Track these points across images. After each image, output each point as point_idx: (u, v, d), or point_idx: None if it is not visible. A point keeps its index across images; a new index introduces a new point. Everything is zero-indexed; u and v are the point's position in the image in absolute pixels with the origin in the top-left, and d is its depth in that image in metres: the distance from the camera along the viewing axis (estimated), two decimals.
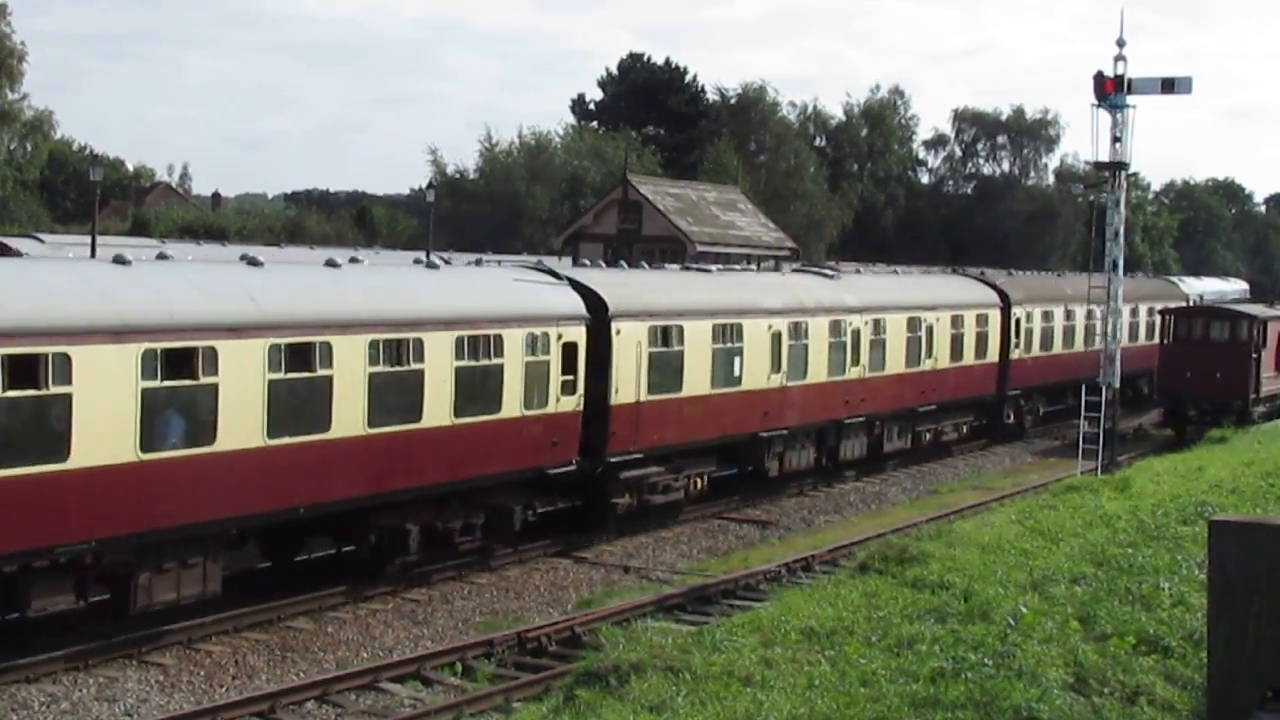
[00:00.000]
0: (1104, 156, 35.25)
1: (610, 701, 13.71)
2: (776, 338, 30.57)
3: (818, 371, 32.22)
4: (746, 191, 70.34)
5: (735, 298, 30.33)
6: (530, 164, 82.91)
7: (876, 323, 34.75)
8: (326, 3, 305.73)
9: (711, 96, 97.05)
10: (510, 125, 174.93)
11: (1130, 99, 34.63)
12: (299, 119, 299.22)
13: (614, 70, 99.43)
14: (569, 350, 24.87)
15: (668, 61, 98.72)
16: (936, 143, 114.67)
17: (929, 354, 37.25)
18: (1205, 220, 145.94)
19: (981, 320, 40.52)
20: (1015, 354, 42.28)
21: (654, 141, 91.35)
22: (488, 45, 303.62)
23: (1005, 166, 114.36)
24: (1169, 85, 34.95)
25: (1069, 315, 46.23)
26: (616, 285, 27.25)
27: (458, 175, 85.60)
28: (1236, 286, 74.58)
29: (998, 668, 13.87)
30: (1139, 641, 15.09)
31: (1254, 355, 43.99)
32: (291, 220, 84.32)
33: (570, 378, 24.89)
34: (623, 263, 37.58)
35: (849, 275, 38.59)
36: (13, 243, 43.15)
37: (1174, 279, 62.31)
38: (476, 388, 23.00)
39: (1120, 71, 34.46)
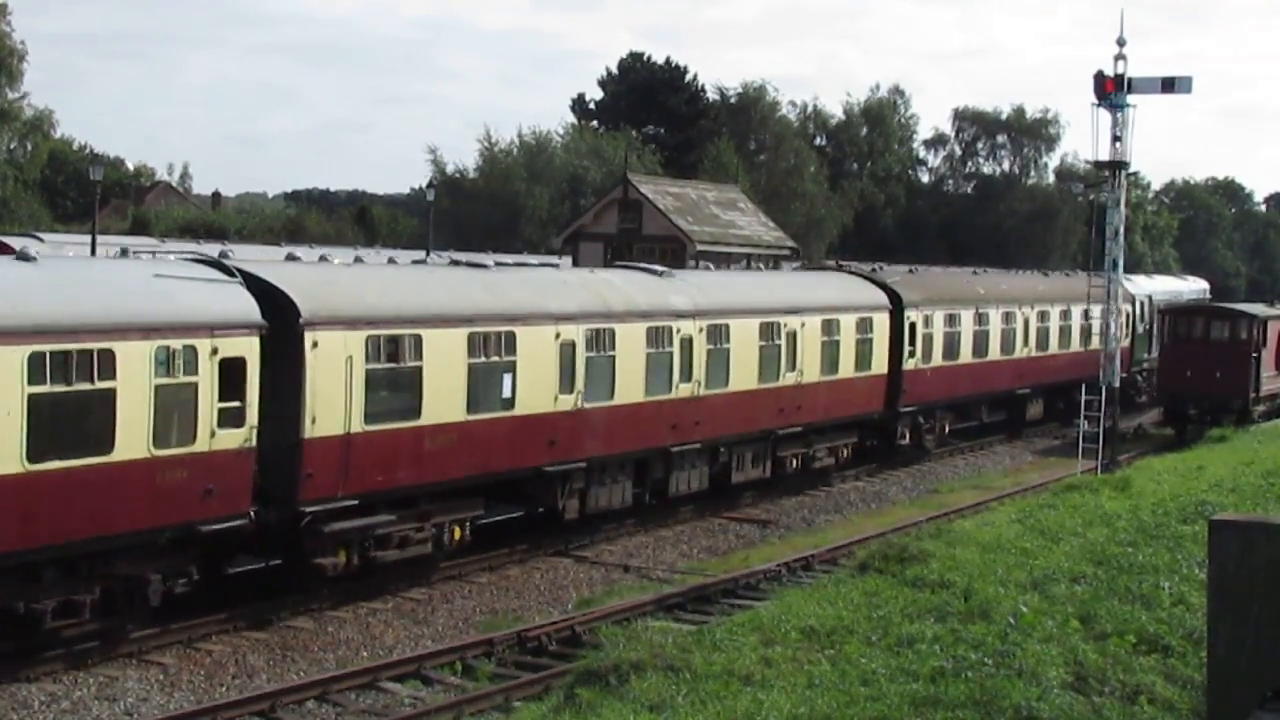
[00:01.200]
0: (1104, 156, 35.24)
1: (610, 701, 13.71)
2: (568, 349, 24.82)
3: (630, 390, 26.29)
4: (746, 191, 70.41)
5: (505, 299, 24.15)
6: (530, 164, 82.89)
7: (716, 329, 28.64)
8: (326, 3, 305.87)
9: (711, 96, 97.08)
10: (510, 125, 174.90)
11: (1130, 98, 34.62)
12: (299, 119, 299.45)
13: (614, 70, 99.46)
14: (232, 368, 18.95)
15: (668, 61, 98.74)
16: (936, 142, 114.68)
17: (791, 366, 31.11)
18: (1205, 220, 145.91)
19: (864, 325, 34.30)
20: (910, 364, 36.01)
21: (654, 141, 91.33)
22: (487, 45, 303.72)
23: (1005, 166, 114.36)
24: (1169, 85, 34.95)
25: (981, 319, 40.34)
26: (318, 284, 21.31)
27: (458, 175, 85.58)
28: (1195, 286, 67.84)
29: (998, 667, 13.88)
30: (1139, 641, 15.11)
31: (1254, 354, 43.98)
32: (291, 219, 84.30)
33: (236, 405, 19.01)
34: (359, 257, 32.23)
35: (686, 273, 32.80)
36: (13, 242, 43.14)
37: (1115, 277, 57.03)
38: (68, 422, 17.20)
39: (1120, 71, 34.46)
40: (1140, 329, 51.27)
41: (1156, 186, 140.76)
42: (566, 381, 24.82)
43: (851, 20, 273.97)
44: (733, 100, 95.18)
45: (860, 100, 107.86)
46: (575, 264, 48.88)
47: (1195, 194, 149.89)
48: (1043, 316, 44.27)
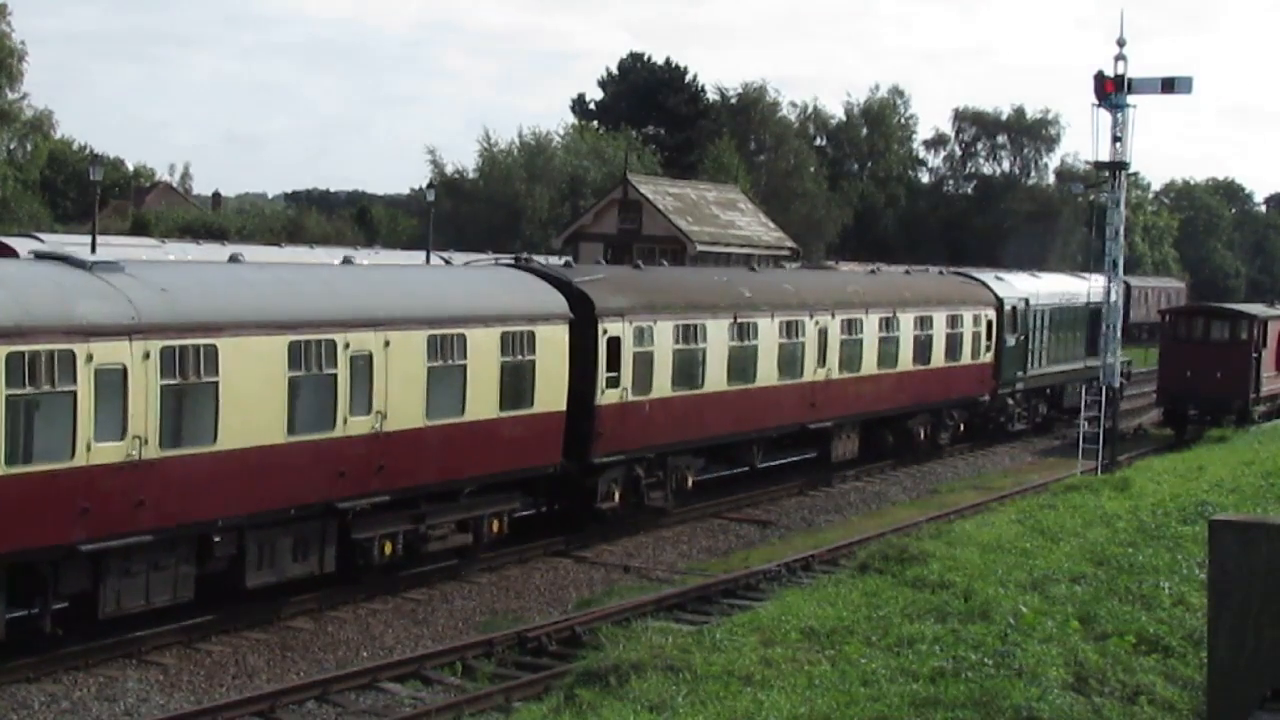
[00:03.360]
0: (1104, 156, 35.23)
1: (610, 701, 13.72)
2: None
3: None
4: (746, 191, 70.45)
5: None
6: (530, 164, 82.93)
7: (175, 354, 18.12)
8: (326, 3, 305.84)
9: (712, 96, 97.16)
10: (510, 125, 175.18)
11: (1130, 99, 34.62)
12: (299, 119, 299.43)
13: (614, 70, 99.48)
14: None
15: (668, 61, 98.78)
16: (937, 142, 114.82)
17: (363, 407, 20.61)
18: (1205, 220, 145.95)
19: (518, 343, 23.50)
20: (611, 396, 25.57)
21: (654, 141, 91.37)
22: (487, 45, 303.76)
23: (1005, 166, 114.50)
24: (1169, 85, 34.94)
25: (744, 332, 29.35)
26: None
27: (457, 175, 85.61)
28: (1099, 286, 57.05)
29: (998, 667, 13.89)
30: (1139, 641, 15.11)
31: (1254, 355, 44.00)
32: (291, 220, 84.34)
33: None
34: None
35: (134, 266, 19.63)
36: (12, 242, 43.16)
37: (983, 275, 43.10)
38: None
39: (1120, 71, 34.45)
40: (1012, 340, 41.53)
41: (1157, 187, 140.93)
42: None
43: (851, 21, 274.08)
44: (733, 100, 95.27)
45: (860, 100, 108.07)
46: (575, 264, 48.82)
47: (1195, 194, 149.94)
48: (851, 326, 33.24)
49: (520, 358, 23.60)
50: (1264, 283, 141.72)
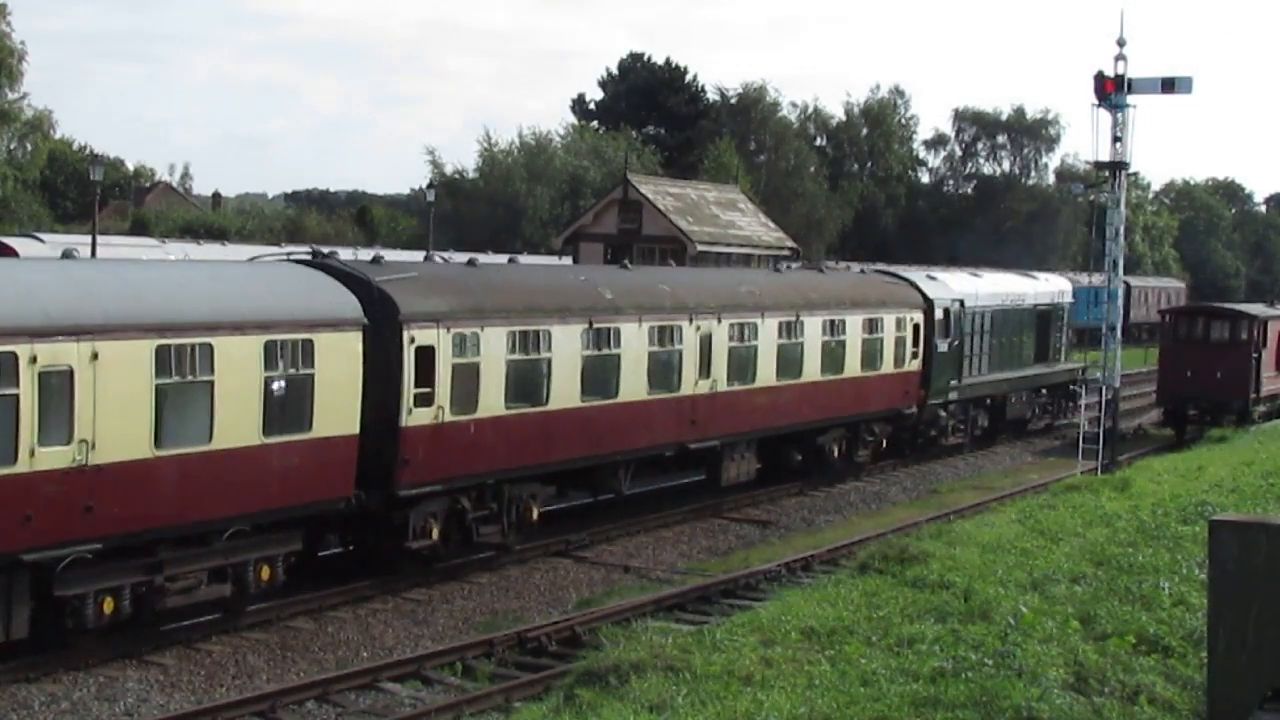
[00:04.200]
0: (1104, 156, 35.26)
1: (610, 701, 13.72)
2: None
3: None
4: (747, 191, 70.38)
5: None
6: (530, 164, 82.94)
7: None
8: (326, 3, 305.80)
9: (712, 96, 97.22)
10: (510, 125, 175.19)
11: (1130, 99, 34.65)
12: (299, 119, 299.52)
13: (614, 70, 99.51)
14: None
15: (668, 61, 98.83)
16: (937, 142, 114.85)
17: (62, 436, 16.84)
18: (1206, 220, 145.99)
19: (290, 355, 19.63)
20: (421, 416, 21.59)
21: (654, 141, 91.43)
22: (487, 45, 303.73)
23: (1005, 166, 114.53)
24: (1169, 85, 34.97)
25: (600, 339, 25.30)
26: None
27: (457, 175, 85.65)
28: (1049, 287, 46.89)
29: (998, 667, 13.89)
30: (1139, 641, 15.11)
31: (1254, 355, 44.02)
32: (291, 220, 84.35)
33: None
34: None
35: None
36: (12, 243, 43.18)
37: (912, 274, 38.83)
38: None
39: (1120, 71, 34.48)
40: (944, 345, 37.19)
41: (1157, 187, 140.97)
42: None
43: (852, 20, 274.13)
44: (733, 100, 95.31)
45: (860, 100, 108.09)
46: (576, 264, 48.86)
47: (1195, 194, 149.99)
48: (743, 332, 29.11)
49: (293, 372, 19.41)
50: (1264, 283, 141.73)
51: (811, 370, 31.40)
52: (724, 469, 29.35)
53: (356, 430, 20.40)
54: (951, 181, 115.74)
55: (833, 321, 32.25)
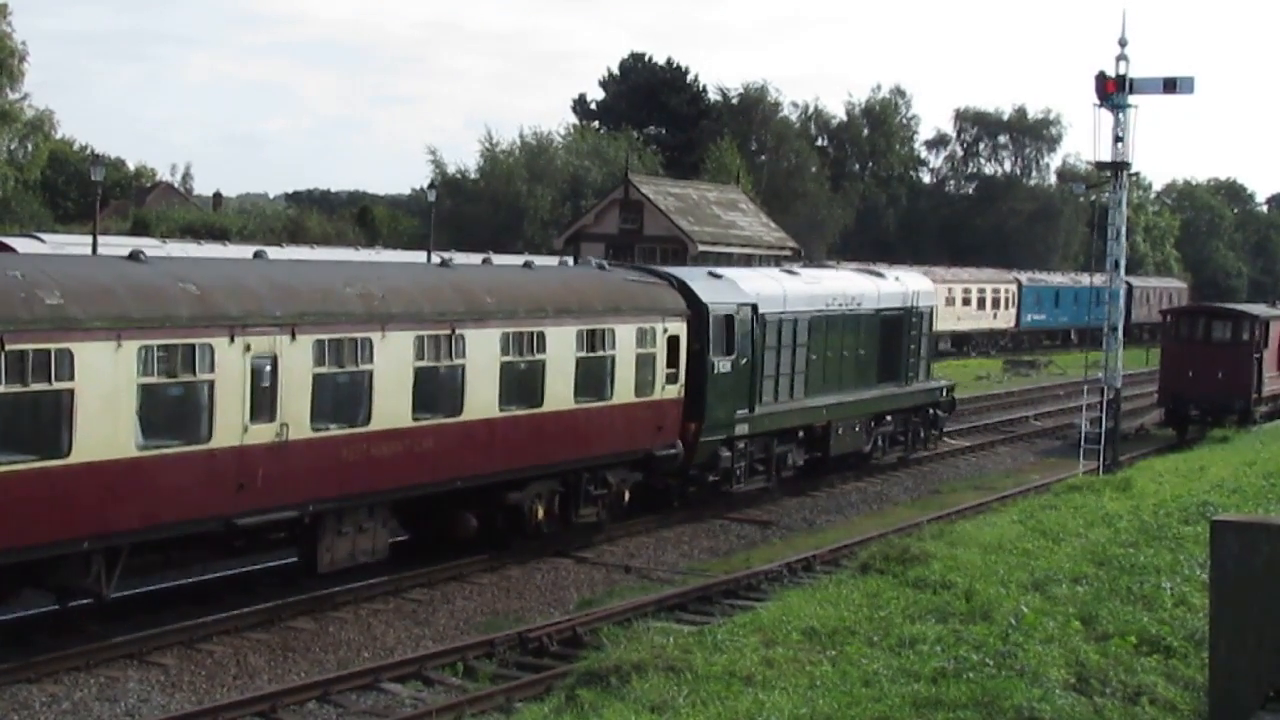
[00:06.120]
0: (1106, 156, 35.27)
1: (612, 701, 13.71)
2: None
3: None
4: (748, 191, 70.43)
5: None
6: (531, 164, 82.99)
7: None
8: (326, 3, 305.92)
9: (713, 96, 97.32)
10: (510, 125, 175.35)
11: (1132, 99, 34.65)
12: (299, 119, 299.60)
13: (615, 70, 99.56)
14: None
15: (669, 61, 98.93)
16: (938, 142, 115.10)
17: None
18: (1207, 220, 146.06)
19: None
20: None
21: (655, 141, 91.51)
22: (487, 45, 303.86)
23: (1007, 166, 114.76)
24: (1170, 85, 34.98)
25: (35, 371, 16.31)
26: None
27: (459, 175, 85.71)
28: (898, 287, 36.32)
29: (999, 668, 13.88)
30: (1141, 641, 15.10)
31: (1256, 355, 44.02)
32: (292, 220, 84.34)
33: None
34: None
35: None
36: (13, 242, 43.16)
37: (682, 273, 29.47)
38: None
39: (1122, 71, 34.48)
40: (726, 364, 28.09)
41: (1158, 187, 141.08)
42: None
43: (852, 20, 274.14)
44: (734, 101, 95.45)
45: (861, 101, 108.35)
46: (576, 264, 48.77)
47: (1197, 195, 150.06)
48: (341, 352, 20.14)
49: None
50: (1265, 283, 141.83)
51: (483, 403, 22.47)
52: (320, 550, 20.66)
53: None
54: (953, 182, 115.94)
55: (522, 335, 23.22)
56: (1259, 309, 47.52)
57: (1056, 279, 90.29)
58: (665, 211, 54.10)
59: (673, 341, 26.81)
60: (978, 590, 17.34)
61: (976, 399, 53.05)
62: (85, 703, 16.82)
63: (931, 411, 37.46)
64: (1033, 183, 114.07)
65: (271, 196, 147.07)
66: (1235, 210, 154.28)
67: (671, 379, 26.84)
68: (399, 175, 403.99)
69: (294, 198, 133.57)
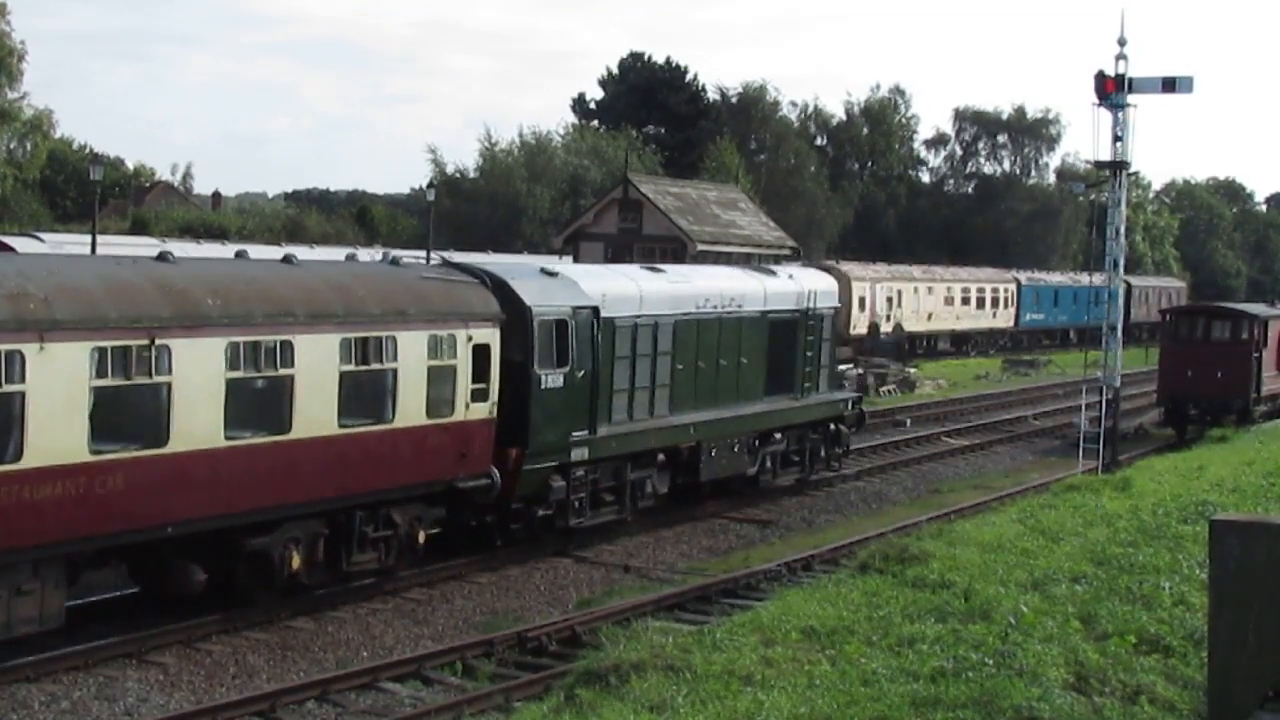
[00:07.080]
0: (1105, 156, 35.30)
1: (611, 701, 13.71)
2: None
3: None
4: (747, 191, 70.45)
5: None
6: (530, 163, 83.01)
7: None
8: (326, 3, 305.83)
9: (712, 96, 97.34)
10: (510, 124, 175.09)
11: (1131, 98, 34.68)
12: (299, 119, 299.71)
13: (615, 69, 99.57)
14: None
15: (668, 61, 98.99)
16: (937, 142, 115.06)
17: None
18: (1206, 220, 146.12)
19: None
20: None
21: (654, 141, 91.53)
22: (486, 45, 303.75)
23: (1006, 165, 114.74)
24: (1170, 85, 35.02)
25: None
26: None
27: (458, 175, 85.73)
28: (791, 286, 31.90)
29: (998, 667, 13.88)
30: (1140, 641, 15.10)
31: (1255, 354, 44.02)
32: (291, 219, 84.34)
33: None
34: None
35: None
36: (12, 242, 43.15)
37: (512, 264, 29.57)
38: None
39: (1121, 71, 34.50)
40: (557, 378, 23.97)
41: (1157, 186, 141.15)
42: None
43: (852, 20, 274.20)
44: (733, 100, 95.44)
45: (861, 100, 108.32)
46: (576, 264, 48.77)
47: (1196, 194, 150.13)
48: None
49: None
50: (1265, 282, 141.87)
51: (201, 430, 18.22)
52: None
53: None
54: (952, 181, 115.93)
55: (259, 345, 18.93)
56: (1258, 308, 47.52)
57: (1056, 278, 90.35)
58: (664, 211, 54.09)
59: (480, 351, 22.40)
60: (977, 590, 17.34)
61: (976, 398, 53.08)
62: (84, 702, 16.82)
63: (834, 427, 32.85)
64: (1032, 182, 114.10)
65: (271, 196, 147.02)
66: (1234, 210, 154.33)
67: (479, 396, 22.40)
68: (398, 175, 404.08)
69: (293, 197, 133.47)
